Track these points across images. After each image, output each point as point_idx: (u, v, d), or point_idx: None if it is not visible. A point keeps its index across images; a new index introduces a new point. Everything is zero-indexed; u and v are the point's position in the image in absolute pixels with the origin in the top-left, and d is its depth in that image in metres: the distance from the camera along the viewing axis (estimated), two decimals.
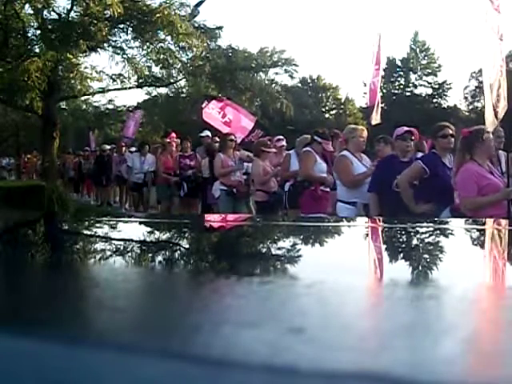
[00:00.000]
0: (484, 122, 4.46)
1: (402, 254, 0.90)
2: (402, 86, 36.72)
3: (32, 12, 11.48)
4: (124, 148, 11.74)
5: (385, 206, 4.05)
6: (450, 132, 4.00)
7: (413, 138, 4.41)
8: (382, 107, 8.12)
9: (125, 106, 16.47)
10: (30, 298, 0.51)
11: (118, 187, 12.47)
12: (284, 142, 6.83)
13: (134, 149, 11.13)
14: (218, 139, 7.75)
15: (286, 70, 34.63)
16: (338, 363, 0.33)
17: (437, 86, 36.61)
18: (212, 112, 8.22)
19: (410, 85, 37.05)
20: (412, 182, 3.99)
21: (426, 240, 1.04)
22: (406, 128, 4.44)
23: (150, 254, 0.85)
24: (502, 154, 4.41)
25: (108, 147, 12.87)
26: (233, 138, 6.70)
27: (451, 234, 1.13)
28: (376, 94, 7.91)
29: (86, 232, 1.19)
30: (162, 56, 12.30)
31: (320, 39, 70.22)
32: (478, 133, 3.62)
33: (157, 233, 1.16)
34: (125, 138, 13.74)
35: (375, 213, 4.02)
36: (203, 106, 8.41)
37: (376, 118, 7.81)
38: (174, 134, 9.52)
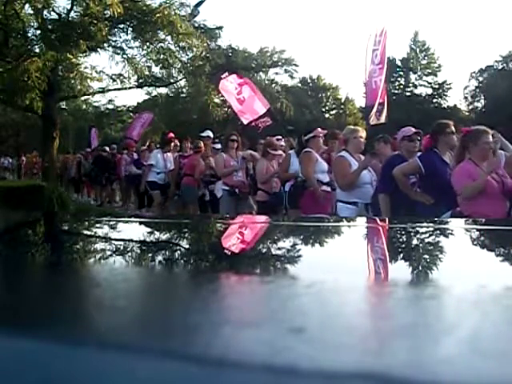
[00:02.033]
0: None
1: (401, 254, 0.90)
2: (402, 86, 36.71)
3: (32, 12, 11.50)
4: (135, 148, 11.48)
5: (395, 206, 4.07)
6: (454, 129, 4.06)
7: (419, 138, 4.43)
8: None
9: (125, 106, 16.54)
10: (30, 297, 0.51)
11: (121, 187, 12.35)
12: (283, 142, 6.82)
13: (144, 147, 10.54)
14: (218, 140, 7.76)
15: (286, 70, 34.67)
16: (338, 363, 0.33)
17: (437, 86, 36.61)
18: (229, 85, 8.09)
19: (410, 85, 37.04)
20: (406, 175, 4.04)
21: (426, 240, 1.04)
22: (413, 129, 4.44)
23: (150, 254, 0.85)
24: (503, 155, 4.42)
25: (108, 148, 12.79)
26: (235, 137, 6.69)
27: (451, 234, 1.13)
28: (377, 92, 7.75)
29: (85, 232, 1.19)
30: (162, 56, 12.33)
31: (320, 39, 70.26)
32: (476, 134, 3.64)
33: (157, 233, 1.16)
34: (127, 138, 13.59)
35: (386, 214, 4.01)
36: (223, 76, 8.26)
37: (380, 118, 7.67)
38: (172, 134, 9.48)
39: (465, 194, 3.50)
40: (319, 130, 5.24)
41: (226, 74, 8.16)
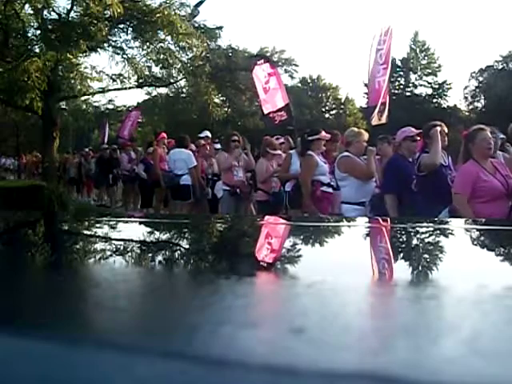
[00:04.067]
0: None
1: (401, 255, 0.90)
2: (401, 86, 36.68)
3: (32, 12, 11.49)
4: (130, 147, 11.40)
5: (400, 206, 4.08)
6: (445, 130, 4.10)
7: (418, 138, 4.44)
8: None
9: (125, 106, 16.53)
10: (30, 297, 0.51)
11: (115, 187, 12.25)
12: (282, 139, 6.87)
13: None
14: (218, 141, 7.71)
15: (285, 70, 34.66)
16: (338, 363, 0.33)
17: (437, 86, 36.60)
18: (260, 73, 8.15)
19: (410, 85, 37.03)
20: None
21: (426, 240, 1.04)
22: (415, 130, 4.46)
23: (150, 254, 0.85)
24: (501, 155, 4.42)
25: (107, 147, 12.74)
26: (236, 138, 6.70)
27: (451, 234, 1.13)
28: (380, 93, 7.68)
29: (85, 232, 1.19)
30: (162, 56, 12.34)
31: (320, 39, 70.21)
32: (473, 133, 3.68)
33: (157, 233, 1.16)
34: (119, 138, 13.73)
35: (393, 214, 4.01)
36: (258, 62, 8.32)
37: (381, 119, 7.61)
38: (164, 135, 9.47)
39: (456, 203, 3.53)
40: (324, 133, 5.24)
41: (262, 60, 8.24)
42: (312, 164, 4.96)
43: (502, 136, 4.91)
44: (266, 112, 7.90)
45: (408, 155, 4.34)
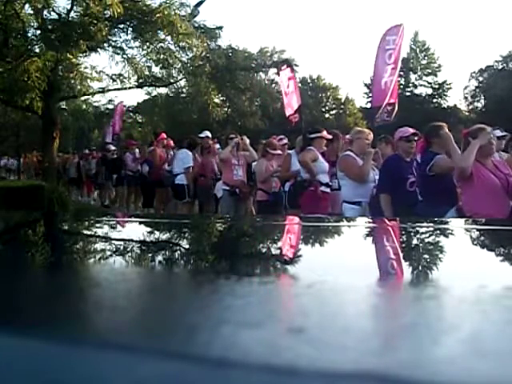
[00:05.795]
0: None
1: (402, 255, 0.90)
2: (401, 86, 36.64)
3: (32, 12, 11.48)
4: (135, 146, 11.42)
5: (394, 206, 4.08)
6: (447, 131, 4.08)
7: (416, 139, 4.43)
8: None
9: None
10: (30, 297, 0.51)
11: (121, 188, 12.17)
12: (286, 141, 6.92)
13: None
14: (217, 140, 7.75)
15: None
16: (338, 363, 0.33)
17: (437, 86, 36.63)
18: (283, 78, 8.48)
19: (410, 85, 37.06)
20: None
21: (427, 240, 1.04)
22: (411, 130, 4.46)
23: (150, 254, 0.85)
24: (496, 155, 4.43)
25: (113, 148, 12.68)
26: (233, 136, 6.71)
27: (451, 233, 1.13)
28: (386, 93, 7.52)
29: (86, 232, 1.19)
30: (162, 56, 12.34)
31: (320, 39, 70.27)
32: (474, 133, 3.68)
33: (157, 233, 1.16)
34: (113, 134, 13.86)
35: (388, 214, 4.02)
36: (282, 68, 8.59)
37: (388, 119, 7.47)
38: (164, 135, 9.51)
39: (459, 169, 3.53)
40: (325, 133, 5.28)
41: (285, 66, 8.56)
42: (313, 154, 5.00)
43: (503, 134, 4.93)
44: (287, 115, 8.19)
45: (404, 155, 4.35)
